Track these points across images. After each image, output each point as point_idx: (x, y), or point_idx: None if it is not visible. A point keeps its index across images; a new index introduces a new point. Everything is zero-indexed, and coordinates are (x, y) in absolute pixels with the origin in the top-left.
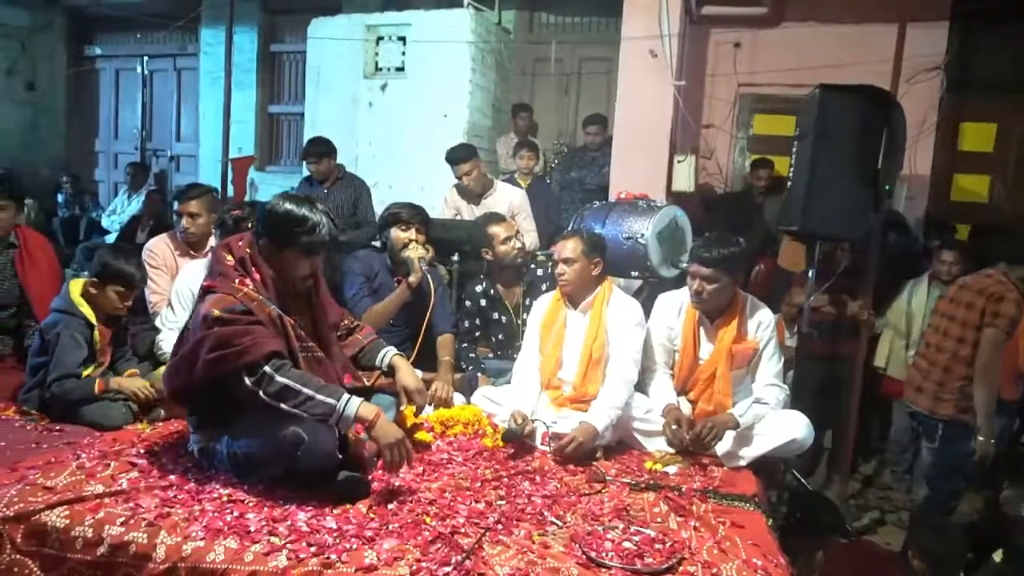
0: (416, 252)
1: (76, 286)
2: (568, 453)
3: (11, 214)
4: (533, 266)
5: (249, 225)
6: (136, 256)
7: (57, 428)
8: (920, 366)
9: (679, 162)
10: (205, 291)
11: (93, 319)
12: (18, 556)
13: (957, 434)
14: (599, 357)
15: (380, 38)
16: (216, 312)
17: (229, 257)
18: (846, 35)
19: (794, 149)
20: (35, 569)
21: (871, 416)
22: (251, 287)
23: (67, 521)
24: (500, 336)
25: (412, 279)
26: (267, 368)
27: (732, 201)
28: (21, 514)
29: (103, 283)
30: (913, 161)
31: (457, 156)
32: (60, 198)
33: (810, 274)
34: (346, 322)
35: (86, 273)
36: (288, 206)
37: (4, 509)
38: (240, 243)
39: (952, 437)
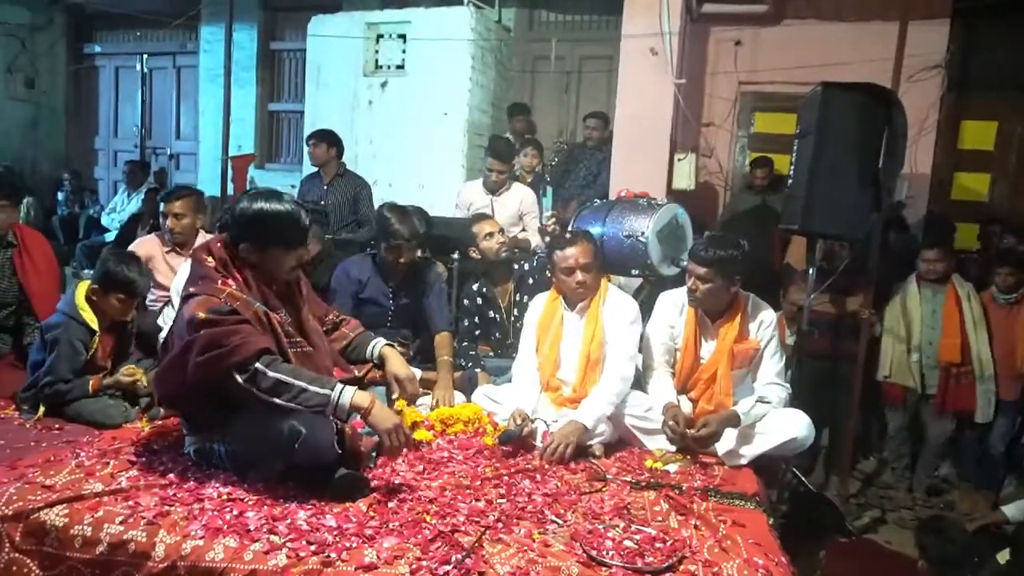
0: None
1: (82, 289)
2: (554, 456)
3: (9, 213)
4: (523, 263)
5: None
6: (139, 263)
7: (56, 427)
8: None
9: (679, 160)
10: (188, 295)
11: (95, 325)
12: (17, 555)
13: None
14: (597, 358)
15: (380, 36)
16: (202, 315)
17: (209, 259)
18: (847, 33)
19: (795, 147)
20: (34, 568)
21: (869, 415)
22: (234, 287)
23: (66, 520)
24: (497, 334)
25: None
26: (258, 364)
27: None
28: (20, 512)
29: (104, 290)
30: (914, 160)
31: (501, 151)
32: (61, 196)
33: (811, 272)
34: (331, 317)
35: (88, 272)
36: (259, 205)
37: (3, 507)
38: (218, 244)
39: None
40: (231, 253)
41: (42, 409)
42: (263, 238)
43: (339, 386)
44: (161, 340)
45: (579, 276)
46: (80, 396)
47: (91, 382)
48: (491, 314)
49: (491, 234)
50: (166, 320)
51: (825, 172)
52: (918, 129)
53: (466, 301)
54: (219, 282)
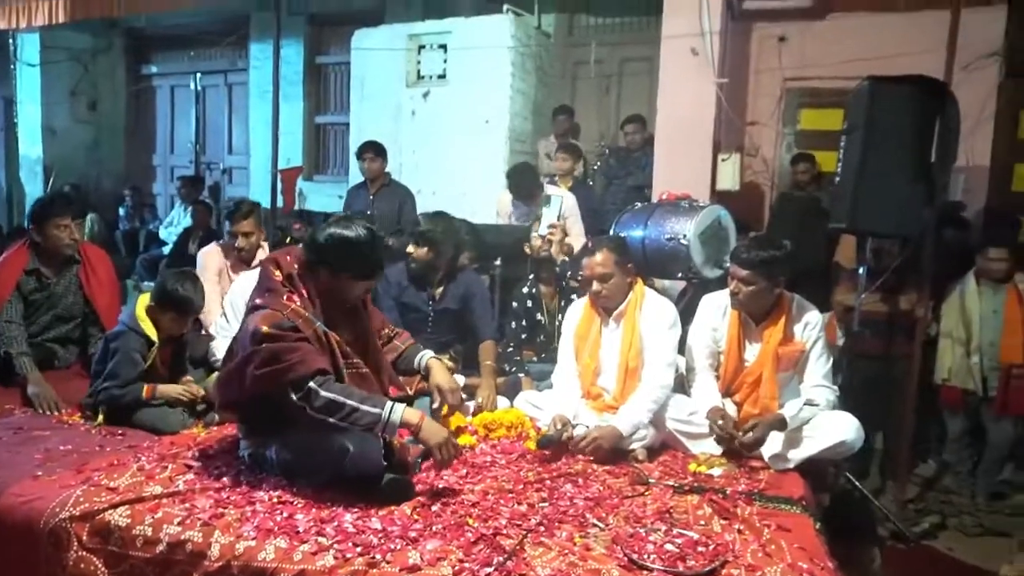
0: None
1: (142, 302)
2: (585, 450)
3: (76, 230)
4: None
5: None
6: (195, 281)
7: (119, 432)
8: None
9: (723, 160)
10: (254, 307)
11: (154, 337)
12: (84, 553)
13: None
14: (636, 366)
15: (422, 47)
16: (265, 328)
17: (277, 272)
18: (897, 24)
19: (842, 143)
20: (99, 566)
21: (927, 418)
22: (298, 303)
23: (128, 520)
24: (542, 337)
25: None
26: (312, 384)
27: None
28: (87, 513)
29: (161, 308)
30: (970, 152)
31: (516, 189)
32: (122, 211)
33: (860, 271)
34: (386, 330)
35: (147, 284)
36: (341, 232)
37: (71, 508)
38: (288, 258)
39: None
40: (300, 271)
41: (101, 416)
42: (339, 265)
43: (389, 404)
44: (211, 354)
45: (595, 286)
46: (133, 401)
47: (144, 388)
48: (538, 316)
49: (540, 235)
50: (218, 330)
51: (874, 168)
52: (975, 120)
53: (515, 303)
54: (284, 297)
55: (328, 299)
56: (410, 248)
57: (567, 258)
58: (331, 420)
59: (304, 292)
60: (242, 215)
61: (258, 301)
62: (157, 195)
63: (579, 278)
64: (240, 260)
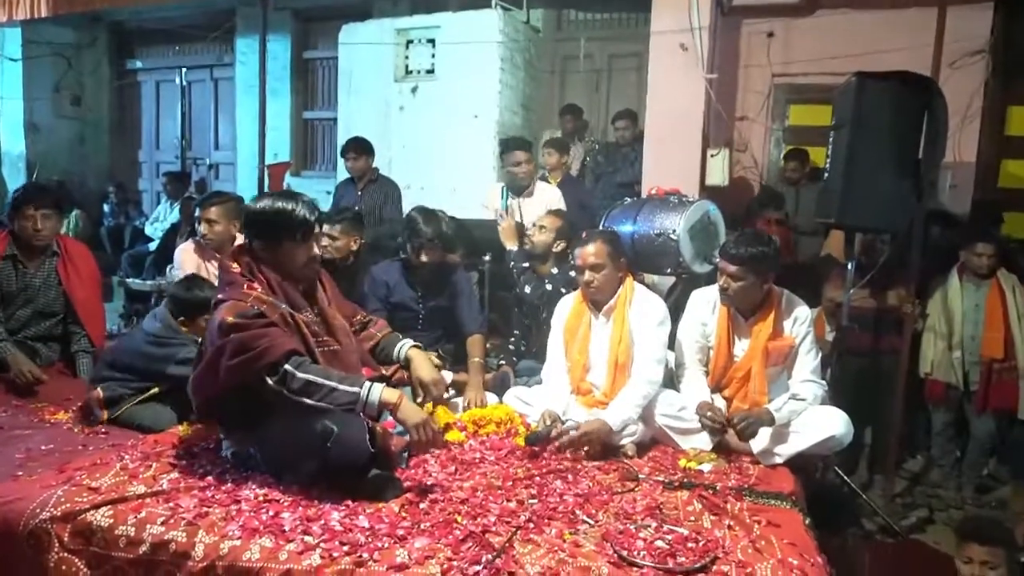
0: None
1: (170, 317)
2: (575, 445)
3: (55, 223)
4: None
5: None
6: (201, 280)
7: (102, 431)
8: None
9: (712, 156)
10: (217, 302)
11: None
12: (65, 554)
13: None
14: (625, 361)
15: (410, 41)
16: (230, 319)
17: (235, 265)
18: (884, 21)
19: (830, 139)
20: (81, 567)
21: (915, 412)
22: (260, 290)
23: (111, 520)
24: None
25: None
26: (288, 366)
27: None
28: (68, 514)
29: (192, 318)
30: (958, 148)
31: (514, 144)
32: (106, 208)
33: (849, 267)
34: (359, 317)
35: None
36: (264, 203)
37: (52, 509)
38: (240, 249)
39: None
40: (253, 256)
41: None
42: (272, 234)
43: (367, 383)
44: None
45: (586, 275)
46: None
47: None
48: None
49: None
50: None
51: (862, 164)
52: (962, 116)
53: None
54: (245, 286)
55: (286, 280)
56: (453, 257)
57: (515, 247)
58: (309, 401)
59: (264, 280)
60: (210, 202)
61: (220, 296)
62: (143, 191)
63: (524, 267)
64: (211, 249)
